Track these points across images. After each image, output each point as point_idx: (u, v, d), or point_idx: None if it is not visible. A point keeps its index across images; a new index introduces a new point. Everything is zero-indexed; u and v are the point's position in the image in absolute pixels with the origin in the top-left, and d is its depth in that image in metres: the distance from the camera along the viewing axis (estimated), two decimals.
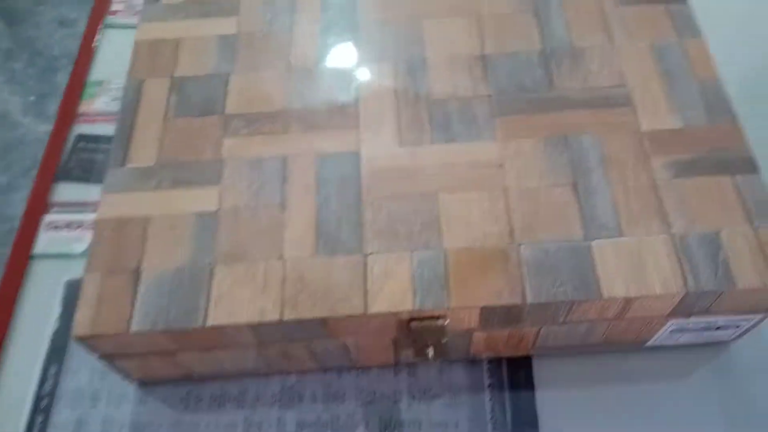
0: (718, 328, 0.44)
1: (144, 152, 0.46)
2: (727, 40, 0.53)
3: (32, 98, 1.64)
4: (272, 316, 0.39)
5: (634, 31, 0.49)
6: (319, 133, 0.46)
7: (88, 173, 0.58)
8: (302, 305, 0.39)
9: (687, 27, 0.49)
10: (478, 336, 0.43)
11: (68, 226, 0.55)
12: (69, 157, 0.59)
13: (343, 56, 0.50)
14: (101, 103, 0.62)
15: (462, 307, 0.39)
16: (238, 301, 0.39)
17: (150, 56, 0.51)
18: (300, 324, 0.39)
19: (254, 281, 0.40)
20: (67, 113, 0.62)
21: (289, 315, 0.39)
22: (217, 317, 0.39)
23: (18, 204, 1.46)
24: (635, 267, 0.39)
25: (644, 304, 0.39)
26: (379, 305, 0.39)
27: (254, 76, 0.49)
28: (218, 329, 0.39)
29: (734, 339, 0.47)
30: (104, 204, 0.44)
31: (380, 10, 0.52)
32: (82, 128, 0.61)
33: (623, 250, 0.40)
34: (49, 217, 0.56)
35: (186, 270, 0.41)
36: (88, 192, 0.57)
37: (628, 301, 0.39)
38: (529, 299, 0.38)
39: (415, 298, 0.39)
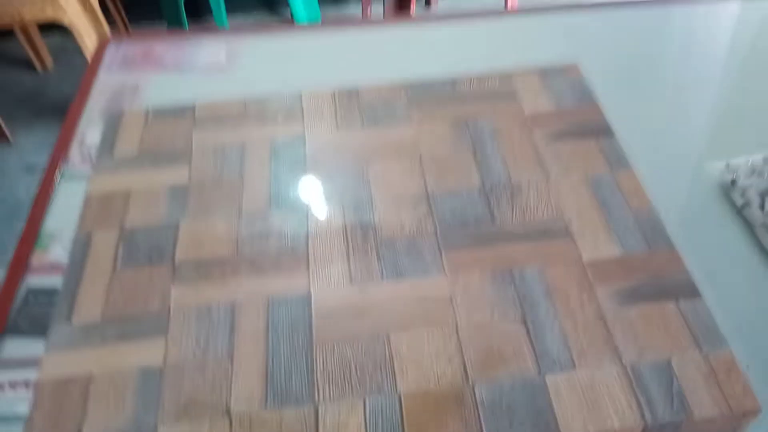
0: None
1: (90, 307, 0.45)
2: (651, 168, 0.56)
3: None
4: None
5: (567, 165, 0.52)
6: (269, 275, 0.46)
7: (37, 328, 0.56)
8: None
9: (617, 159, 0.52)
10: None
11: (13, 385, 0.52)
12: (18, 312, 0.56)
13: (292, 199, 0.51)
14: (53, 255, 0.61)
15: None
16: None
17: (100, 209, 0.51)
18: None
19: None
20: (18, 265, 0.60)
21: None
22: None
23: None
24: (591, 402, 0.39)
25: None
26: None
27: (205, 223, 0.50)
28: None
29: None
30: (46, 364, 0.42)
31: (327, 154, 0.54)
32: (33, 281, 0.59)
33: (577, 384, 0.39)
34: None
35: (128, 429, 0.38)
36: (36, 348, 0.54)
37: None
38: None
39: None
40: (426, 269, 0.46)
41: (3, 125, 1.84)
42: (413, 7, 1.36)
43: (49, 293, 0.58)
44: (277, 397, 0.40)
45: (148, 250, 0.48)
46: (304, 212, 0.50)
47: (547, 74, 0.60)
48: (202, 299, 0.45)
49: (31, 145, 1.86)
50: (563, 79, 0.60)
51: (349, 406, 0.39)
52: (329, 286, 0.45)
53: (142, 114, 0.59)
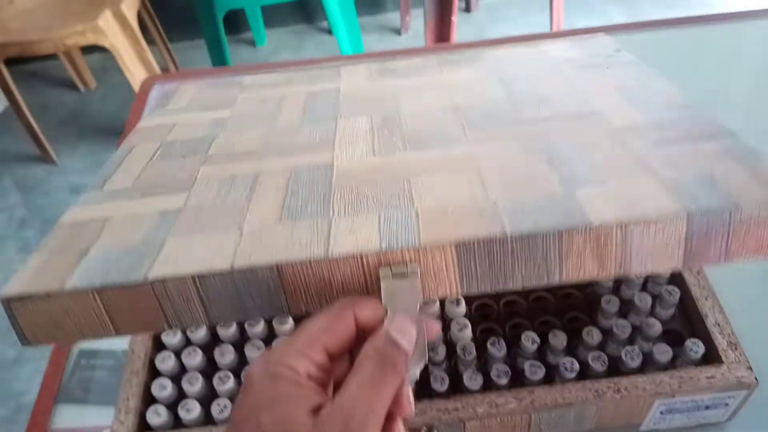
0: (707, 408, 0.41)
1: (122, 180, 0.46)
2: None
3: None
4: (222, 266, 0.34)
5: (597, 81, 0.52)
6: (294, 156, 0.46)
7: (88, 393, 0.52)
8: (256, 256, 0.35)
9: (649, 75, 0.52)
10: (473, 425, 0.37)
11: None
12: (71, 375, 0.53)
13: (323, 116, 0.53)
14: None
15: (435, 244, 0.34)
16: (186, 258, 0.35)
17: (146, 134, 0.54)
18: (252, 274, 0.34)
19: (209, 246, 0.36)
20: None
21: (240, 263, 0.34)
22: (159, 270, 0.34)
23: (25, 378, 1.35)
24: (627, 201, 0.35)
25: (644, 239, 0.34)
26: (342, 249, 0.34)
27: (239, 136, 0.52)
28: (161, 282, 0.34)
29: (728, 420, 0.42)
30: (69, 213, 0.42)
31: (359, 96, 0.57)
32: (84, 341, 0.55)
33: (611, 193, 0.36)
34: None
35: (137, 246, 0.37)
36: (87, 415, 0.50)
37: (623, 232, 0.34)
38: (509, 230, 0.34)
39: (382, 241, 0.35)
40: (450, 144, 0.45)
41: (48, 146, 1.83)
42: (455, 13, 1.39)
43: (99, 354, 0.55)
44: (291, 215, 0.38)
45: (184, 151, 0.50)
46: (333, 123, 0.51)
47: None
48: (227, 173, 0.45)
49: (76, 166, 1.83)
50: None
51: (363, 218, 0.37)
52: (352, 157, 0.45)
53: (195, 85, 0.65)
